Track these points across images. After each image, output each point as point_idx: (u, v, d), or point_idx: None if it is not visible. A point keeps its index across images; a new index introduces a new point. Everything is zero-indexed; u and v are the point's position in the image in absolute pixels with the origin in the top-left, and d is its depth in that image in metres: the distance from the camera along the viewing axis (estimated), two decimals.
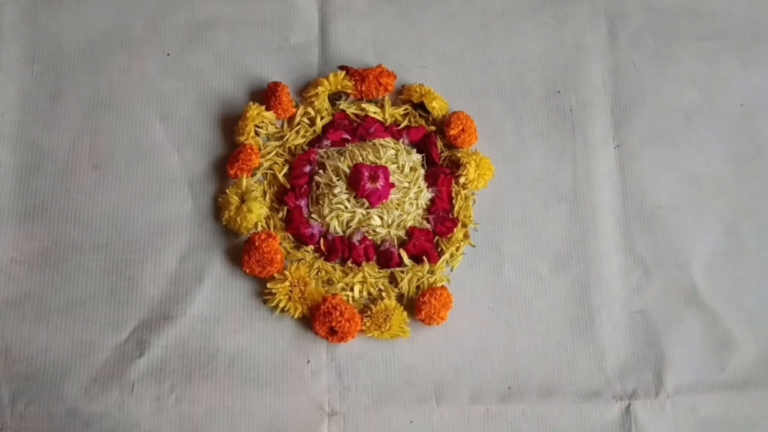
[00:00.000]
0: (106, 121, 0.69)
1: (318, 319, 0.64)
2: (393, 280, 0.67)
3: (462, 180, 0.69)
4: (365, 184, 0.66)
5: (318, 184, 0.68)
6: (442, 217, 0.68)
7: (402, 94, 0.72)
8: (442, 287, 0.65)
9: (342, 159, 0.67)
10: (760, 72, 0.75)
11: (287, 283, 0.65)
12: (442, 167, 0.70)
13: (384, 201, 0.66)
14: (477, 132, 0.70)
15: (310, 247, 0.67)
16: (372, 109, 0.71)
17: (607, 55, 0.74)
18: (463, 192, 0.69)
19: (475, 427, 0.64)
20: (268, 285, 0.65)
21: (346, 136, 0.70)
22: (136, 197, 0.68)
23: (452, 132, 0.69)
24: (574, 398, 0.65)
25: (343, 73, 0.71)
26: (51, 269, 0.66)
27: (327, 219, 0.67)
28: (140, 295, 0.65)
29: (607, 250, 0.69)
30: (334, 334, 0.64)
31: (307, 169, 0.69)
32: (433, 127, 0.71)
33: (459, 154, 0.69)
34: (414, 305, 0.65)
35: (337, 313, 0.63)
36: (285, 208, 0.68)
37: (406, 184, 0.68)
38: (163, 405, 0.63)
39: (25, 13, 0.71)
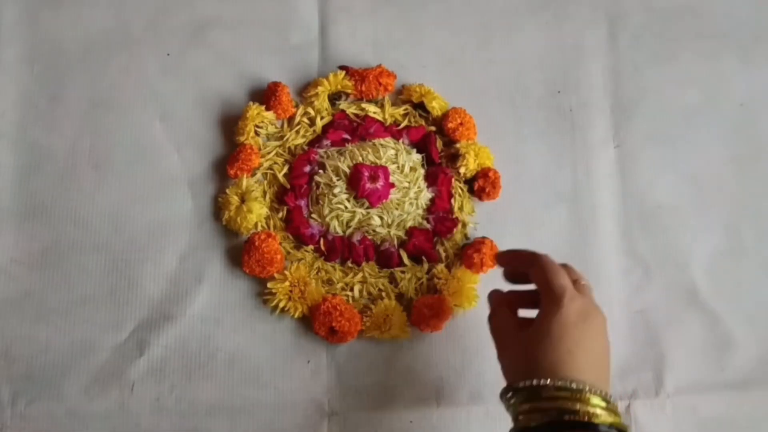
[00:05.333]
0: (106, 121, 0.69)
1: (318, 319, 0.64)
2: (393, 280, 0.67)
3: (462, 170, 0.69)
4: (365, 184, 0.66)
5: (318, 184, 0.68)
6: (442, 217, 0.68)
7: (402, 94, 0.72)
8: (439, 296, 0.65)
9: (342, 159, 0.67)
10: (760, 72, 0.75)
11: (287, 283, 0.65)
12: (442, 167, 0.70)
13: (384, 201, 0.66)
14: (476, 128, 0.70)
15: (310, 247, 0.67)
16: (372, 109, 0.71)
17: (607, 55, 0.74)
18: (462, 191, 0.69)
19: (475, 427, 0.64)
20: (268, 285, 0.65)
21: (346, 136, 0.70)
22: (136, 197, 0.68)
23: (450, 125, 0.69)
24: None
25: (343, 73, 0.71)
26: (51, 269, 0.66)
27: (327, 219, 0.67)
28: (140, 295, 0.65)
29: (607, 250, 0.69)
30: (334, 334, 0.64)
31: (307, 169, 0.69)
32: (433, 127, 0.71)
33: (457, 146, 0.69)
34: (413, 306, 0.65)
35: (337, 313, 0.63)
36: (285, 208, 0.68)
37: (406, 184, 0.68)
38: (163, 405, 0.63)
39: (25, 13, 0.71)
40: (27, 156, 0.68)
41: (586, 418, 0.48)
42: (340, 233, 0.67)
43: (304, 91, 0.71)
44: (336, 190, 0.67)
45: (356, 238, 0.67)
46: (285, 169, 0.69)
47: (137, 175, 0.68)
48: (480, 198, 0.69)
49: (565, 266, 0.56)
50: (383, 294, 0.66)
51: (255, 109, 0.69)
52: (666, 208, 0.70)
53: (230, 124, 0.70)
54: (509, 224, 0.69)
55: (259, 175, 0.69)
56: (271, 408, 0.63)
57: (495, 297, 0.58)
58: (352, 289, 0.66)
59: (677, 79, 0.74)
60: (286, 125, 0.71)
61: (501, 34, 0.74)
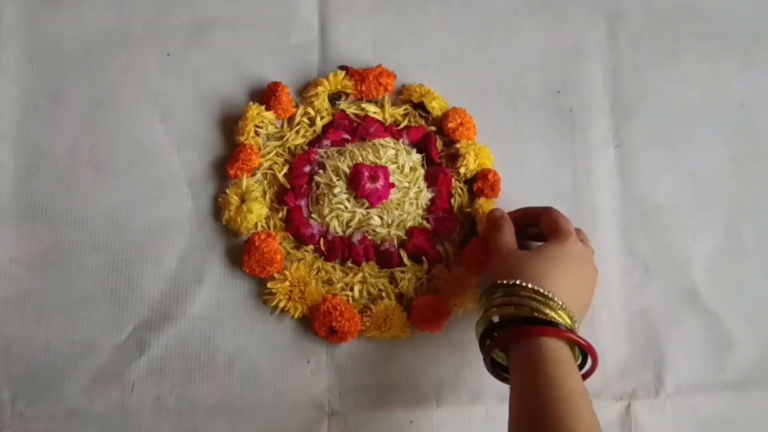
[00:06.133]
0: (106, 121, 0.69)
1: (318, 319, 0.64)
2: (393, 280, 0.67)
3: (462, 170, 0.69)
4: (365, 184, 0.66)
5: (318, 184, 0.68)
6: (442, 217, 0.68)
7: (402, 94, 0.72)
8: (439, 296, 0.65)
9: (342, 159, 0.67)
10: (760, 72, 0.75)
11: (287, 283, 0.65)
12: (442, 167, 0.70)
13: (384, 201, 0.66)
14: (476, 128, 0.70)
15: (310, 247, 0.67)
16: (372, 109, 0.71)
17: (607, 55, 0.74)
18: (462, 191, 0.69)
19: (475, 427, 0.64)
20: (268, 285, 0.65)
21: (346, 136, 0.70)
22: (136, 197, 0.68)
23: (450, 125, 0.69)
24: None
25: (343, 73, 0.71)
26: (51, 269, 0.66)
27: (327, 219, 0.67)
28: (140, 295, 0.65)
29: (607, 250, 0.69)
30: (334, 334, 0.64)
31: (307, 169, 0.69)
32: (433, 127, 0.71)
33: (457, 146, 0.69)
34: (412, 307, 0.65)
35: (337, 313, 0.63)
36: (285, 208, 0.68)
37: (406, 184, 0.68)
38: (163, 405, 0.63)
39: (25, 13, 0.71)
40: (27, 156, 0.68)
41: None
42: (340, 233, 0.67)
43: (304, 91, 0.71)
44: (336, 190, 0.67)
45: (356, 238, 0.67)
46: (285, 169, 0.69)
47: (137, 175, 0.68)
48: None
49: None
50: (383, 294, 0.66)
51: (255, 109, 0.69)
52: (666, 208, 0.70)
53: (230, 124, 0.70)
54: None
55: (259, 175, 0.69)
56: (271, 408, 0.63)
57: (501, 214, 0.64)
58: (352, 289, 0.66)
59: (677, 79, 0.74)
60: (286, 125, 0.71)
61: (501, 34, 0.74)
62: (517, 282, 0.56)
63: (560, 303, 0.55)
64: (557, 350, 0.53)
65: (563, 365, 0.53)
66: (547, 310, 0.54)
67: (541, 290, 0.55)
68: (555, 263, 0.57)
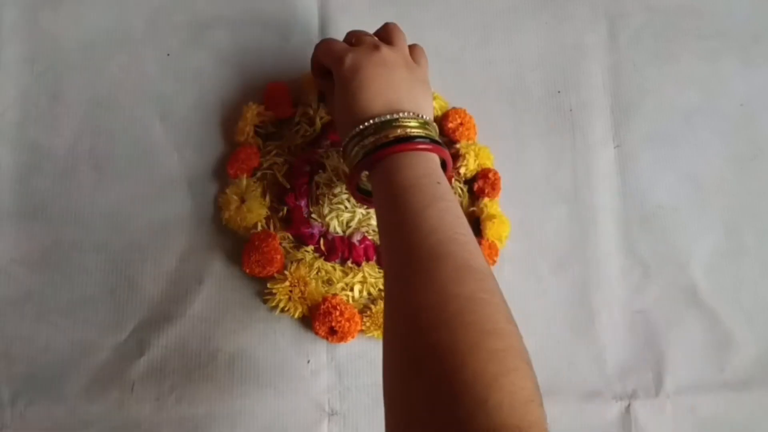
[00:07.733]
0: (106, 121, 0.69)
1: (318, 319, 0.64)
2: None
3: (462, 170, 0.69)
4: None
5: (318, 184, 0.68)
6: None
7: None
8: None
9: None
10: (760, 72, 0.75)
11: (287, 283, 0.65)
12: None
13: None
14: (476, 128, 0.70)
15: (310, 247, 0.67)
16: None
17: (607, 55, 0.74)
18: (462, 191, 0.69)
19: None
20: (268, 285, 0.65)
21: None
22: (136, 197, 0.68)
23: (450, 125, 0.69)
24: (574, 398, 0.65)
25: None
26: (51, 269, 0.65)
27: (327, 219, 0.67)
28: (140, 295, 0.65)
29: (607, 250, 0.69)
30: (334, 334, 0.64)
31: (307, 169, 0.69)
32: None
33: (457, 146, 0.69)
34: None
35: (337, 313, 0.63)
36: (285, 208, 0.68)
37: None
38: (163, 405, 0.63)
39: (25, 13, 0.71)
40: (27, 156, 0.68)
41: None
42: (340, 233, 0.67)
43: (304, 91, 0.71)
44: (336, 190, 0.67)
45: (356, 238, 0.67)
46: (285, 169, 0.69)
47: (137, 175, 0.68)
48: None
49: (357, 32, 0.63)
50: (383, 294, 0.66)
51: (254, 109, 0.68)
52: (666, 208, 0.70)
53: (230, 124, 0.70)
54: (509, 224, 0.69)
55: (259, 175, 0.69)
56: (271, 408, 0.63)
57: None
58: (352, 289, 0.66)
59: (677, 79, 0.74)
60: (286, 125, 0.71)
61: (501, 34, 0.74)
62: (362, 126, 0.55)
63: (376, 120, 0.55)
64: (419, 161, 0.54)
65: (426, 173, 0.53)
66: (398, 131, 0.54)
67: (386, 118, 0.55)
68: (345, 95, 0.57)
